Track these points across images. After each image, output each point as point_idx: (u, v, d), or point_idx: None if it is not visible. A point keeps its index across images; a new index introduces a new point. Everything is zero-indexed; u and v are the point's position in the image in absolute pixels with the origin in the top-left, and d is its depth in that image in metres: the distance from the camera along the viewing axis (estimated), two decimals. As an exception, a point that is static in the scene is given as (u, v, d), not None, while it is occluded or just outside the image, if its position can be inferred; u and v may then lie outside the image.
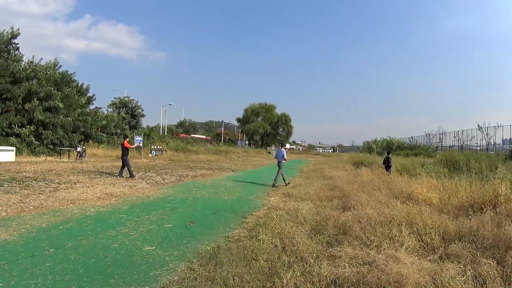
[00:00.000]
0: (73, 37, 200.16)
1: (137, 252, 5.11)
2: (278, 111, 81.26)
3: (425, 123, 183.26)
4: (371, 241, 5.16)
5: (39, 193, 9.30)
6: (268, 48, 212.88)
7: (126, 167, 14.19)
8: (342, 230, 5.99)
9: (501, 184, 7.76)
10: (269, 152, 64.93)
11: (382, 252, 4.59)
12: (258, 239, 5.53)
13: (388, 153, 18.74)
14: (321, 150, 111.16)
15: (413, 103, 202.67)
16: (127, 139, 15.11)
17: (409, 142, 48.14)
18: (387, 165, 17.12)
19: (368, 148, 46.34)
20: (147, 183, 12.69)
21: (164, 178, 14.61)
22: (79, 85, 29.24)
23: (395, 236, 5.27)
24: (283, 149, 15.88)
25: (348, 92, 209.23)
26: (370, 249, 4.78)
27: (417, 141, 48.76)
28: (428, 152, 34.08)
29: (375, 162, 20.95)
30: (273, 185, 13.87)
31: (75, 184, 11.23)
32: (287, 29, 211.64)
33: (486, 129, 33.21)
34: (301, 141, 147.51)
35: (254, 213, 8.34)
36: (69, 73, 27.74)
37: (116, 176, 13.99)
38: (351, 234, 5.58)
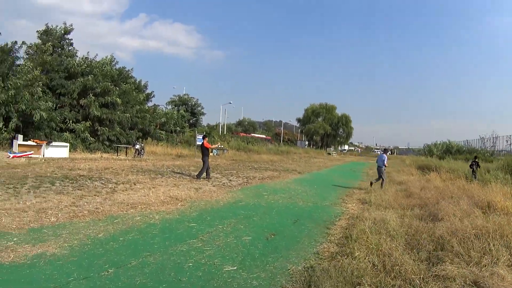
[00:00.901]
0: (128, 36, 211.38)
1: (217, 274, 4.33)
2: (339, 111, 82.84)
3: (475, 126, 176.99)
4: (470, 257, 4.85)
5: (95, 195, 8.68)
6: (329, 48, 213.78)
7: (202, 167, 13.46)
8: (440, 245, 5.57)
9: None
10: (329, 153, 66.33)
11: (483, 269, 4.37)
12: (354, 257, 4.90)
13: (475, 157, 19.51)
14: (379, 152, 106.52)
15: (464, 106, 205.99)
16: (207, 139, 14.37)
17: (464, 146, 46.47)
18: (474, 169, 17.85)
19: (429, 151, 46.50)
20: (213, 185, 11.92)
21: (230, 180, 13.82)
22: (137, 81, 29.67)
23: (491, 250, 4.98)
24: (384, 154, 15.84)
25: (403, 94, 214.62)
26: (471, 267, 4.49)
27: (472, 144, 47.01)
28: (485, 156, 32.80)
29: (442, 167, 20.50)
30: (381, 187, 14.15)
31: (135, 184, 10.64)
32: (349, 29, 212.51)
33: None
34: (358, 143, 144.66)
35: (336, 223, 7.88)
36: (127, 69, 28.28)
37: (206, 179, 13.23)
38: (450, 250, 5.20)
